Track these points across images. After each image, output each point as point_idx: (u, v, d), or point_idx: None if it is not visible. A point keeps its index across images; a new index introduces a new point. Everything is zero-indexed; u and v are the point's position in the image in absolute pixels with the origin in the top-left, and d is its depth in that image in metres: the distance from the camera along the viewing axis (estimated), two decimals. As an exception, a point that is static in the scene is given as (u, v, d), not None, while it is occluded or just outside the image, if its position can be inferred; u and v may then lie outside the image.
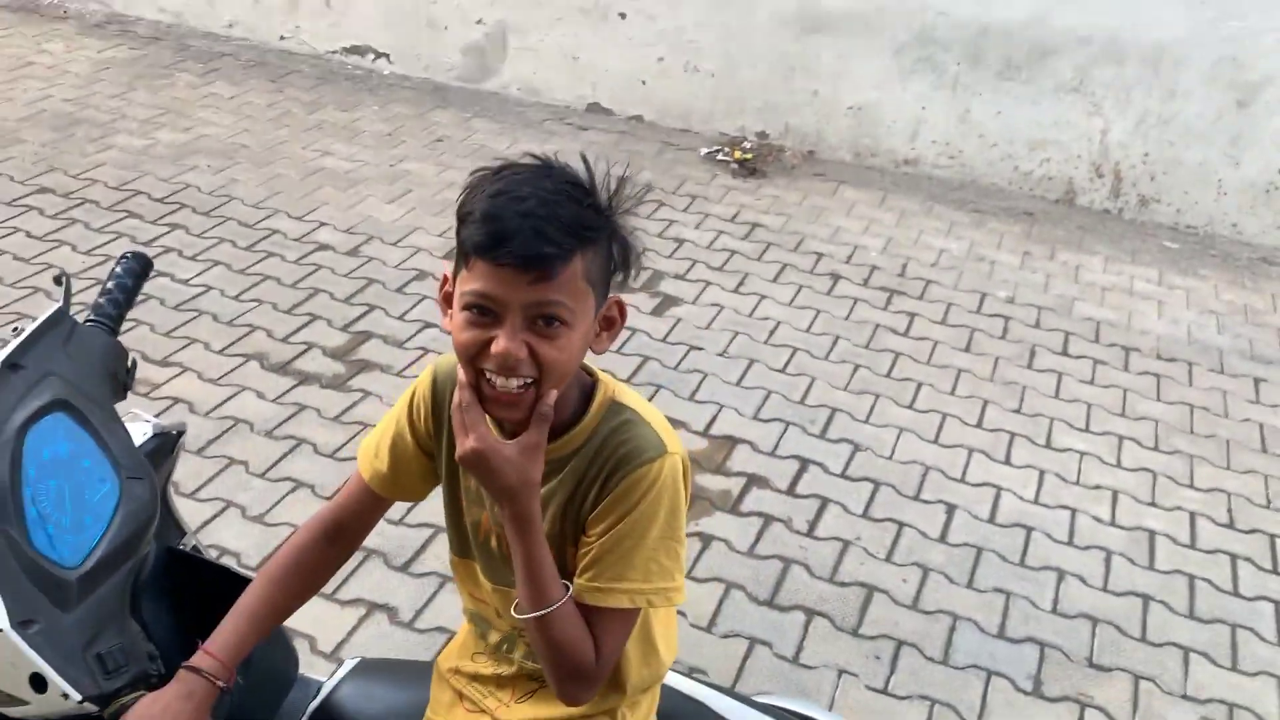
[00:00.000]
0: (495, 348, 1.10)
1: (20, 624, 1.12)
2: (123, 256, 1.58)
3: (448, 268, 1.21)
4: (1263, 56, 4.39)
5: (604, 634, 1.20)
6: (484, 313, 1.12)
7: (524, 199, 1.10)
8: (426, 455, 1.32)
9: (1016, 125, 4.81)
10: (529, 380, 1.13)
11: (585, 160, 1.17)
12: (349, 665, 1.48)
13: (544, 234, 1.08)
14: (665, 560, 1.20)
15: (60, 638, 1.15)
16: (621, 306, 1.22)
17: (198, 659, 1.24)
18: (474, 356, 1.13)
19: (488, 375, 1.13)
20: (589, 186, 1.15)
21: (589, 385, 1.25)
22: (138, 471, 1.33)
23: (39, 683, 1.12)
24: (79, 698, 1.13)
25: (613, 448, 1.20)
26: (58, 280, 1.50)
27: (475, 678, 1.37)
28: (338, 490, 1.37)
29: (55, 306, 1.38)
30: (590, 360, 1.24)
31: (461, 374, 1.16)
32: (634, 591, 1.19)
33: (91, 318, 1.47)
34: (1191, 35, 4.44)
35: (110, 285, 1.52)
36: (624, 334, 3.69)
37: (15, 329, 1.36)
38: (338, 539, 1.37)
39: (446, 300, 1.20)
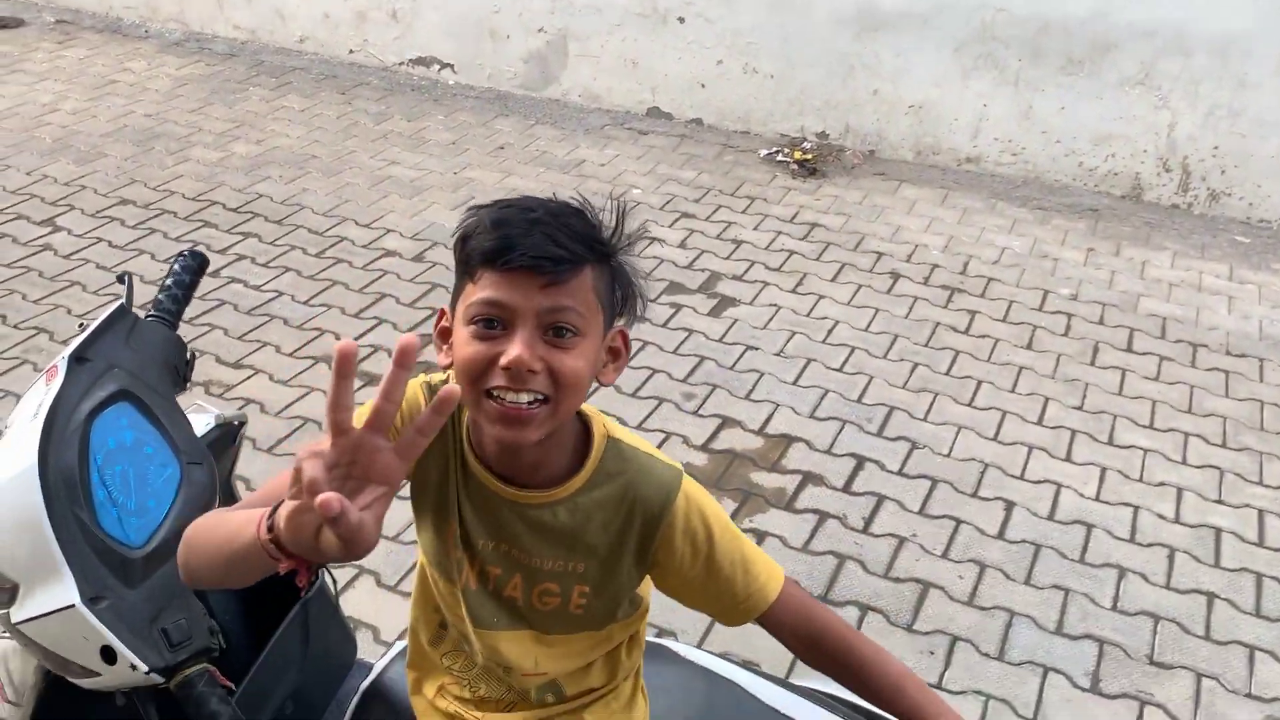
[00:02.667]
0: (506, 357, 1.04)
1: (90, 600, 1.20)
2: (180, 254, 1.67)
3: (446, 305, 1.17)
4: (1337, 44, 4.27)
5: (800, 611, 1.22)
6: (491, 324, 1.06)
7: (532, 209, 1.09)
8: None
9: (1080, 120, 4.74)
10: (541, 396, 1.06)
11: (583, 199, 1.15)
12: (399, 647, 1.54)
13: (555, 239, 1.06)
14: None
15: (128, 613, 1.23)
16: (625, 338, 1.18)
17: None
18: (480, 375, 1.06)
19: (495, 394, 1.06)
20: (593, 215, 1.13)
21: (582, 428, 1.21)
22: (198, 457, 1.40)
23: (109, 655, 1.20)
24: (146, 669, 1.20)
25: (630, 489, 1.18)
26: (120, 279, 1.60)
27: (458, 695, 1.34)
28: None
29: (118, 303, 1.47)
30: (594, 400, 1.22)
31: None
32: (774, 570, 1.22)
33: (152, 313, 1.56)
34: (1260, 25, 4.33)
35: (169, 282, 1.61)
36: (680, 334, 3.76)
37: (81, 325, 1.45)
38: None
39: (443, 335, 1.14)
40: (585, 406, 1.20)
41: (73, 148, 4.85)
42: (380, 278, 3.98)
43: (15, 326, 3.56)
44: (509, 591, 1.22)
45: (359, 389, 3.33)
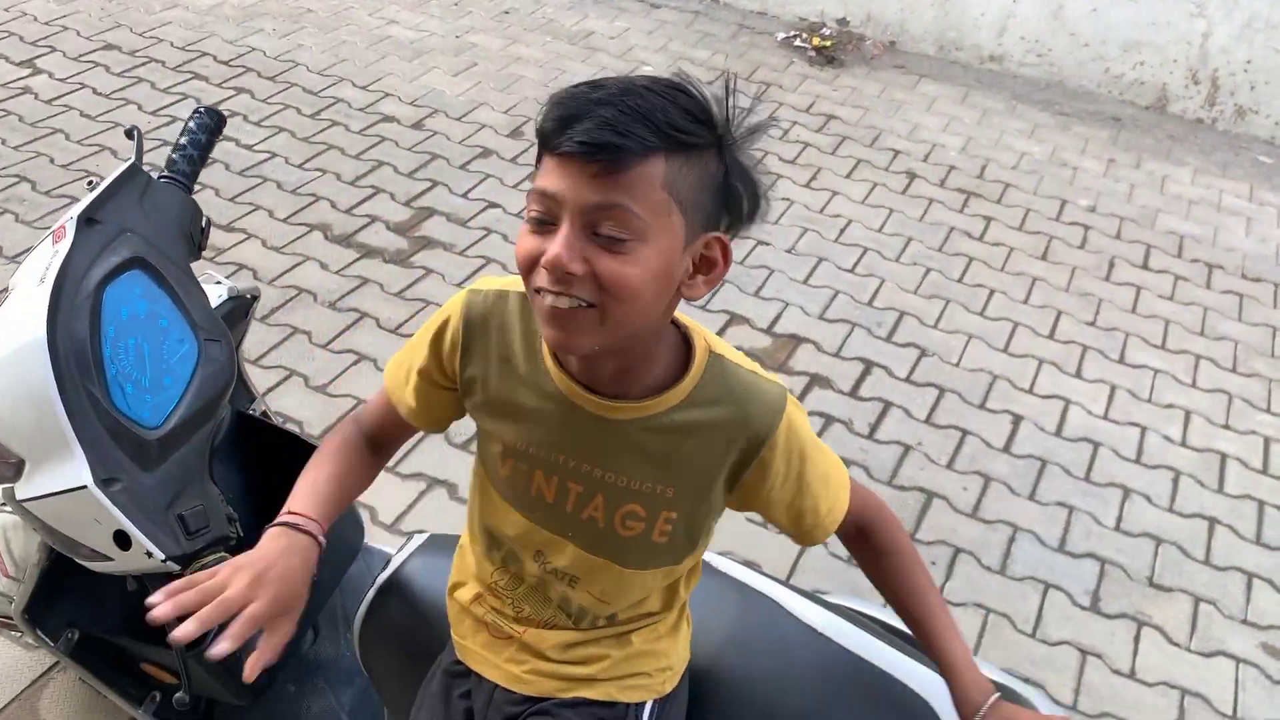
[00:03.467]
0: (545, 256, 0.94)
1: (103, 481, 1.12)
2: (195, 112, 1.53)
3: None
4: (1388, -40, 4.10)
5: (865, 509, 1.20)
6: (543, 218, 0.96)
7: (603, 86, 0.95)
8: (453, 390, 1.18)
9: (1111, 24, 4.57)
10: (584, 302, 0.95)
11: (686, 76, 0.99)
12: (419, 540, 1.47)
13: (615, 123, 0.91)
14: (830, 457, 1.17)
15: (142, 497, 1.15)
16: (725, 246, 1.01)
17: (294, 517, 1.10)
18: (529, 271, 0.98)
19: (540, 292, 0.97)
20: (695, 92, 0.97)
21: (684, 342, 1.09)
22: (215, 334, 1.31)
23: (123, 540, 1.12)
24: (162, 556, 1.13)
25: (732, 411, 1.07)
26: (129, 134, 1.47)
27: (496, 608, 1.26)
28: (370, 401, 1.25)
29: (129, 161, 1.35)
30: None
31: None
32: (841, 480, 1.17)
33: (166, 174, 1.43)
34: (1313, -67, 4.15)
35: (184, 141, 1.48)
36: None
37: (90, 183, 1.33)
38: (374, 450, 1.25)
39: None
40: (682, 317, 1.08)
41: (53, -16, 4.57)
42: (378, 144, 3.81)
43: (-5, 173, 3.39)
44: (589, 512, 1.12)
45: (354, 261, 3.22)
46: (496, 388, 1.13)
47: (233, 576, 1.00)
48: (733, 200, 1.00)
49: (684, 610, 1.28)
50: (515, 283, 1.11)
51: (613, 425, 1.08)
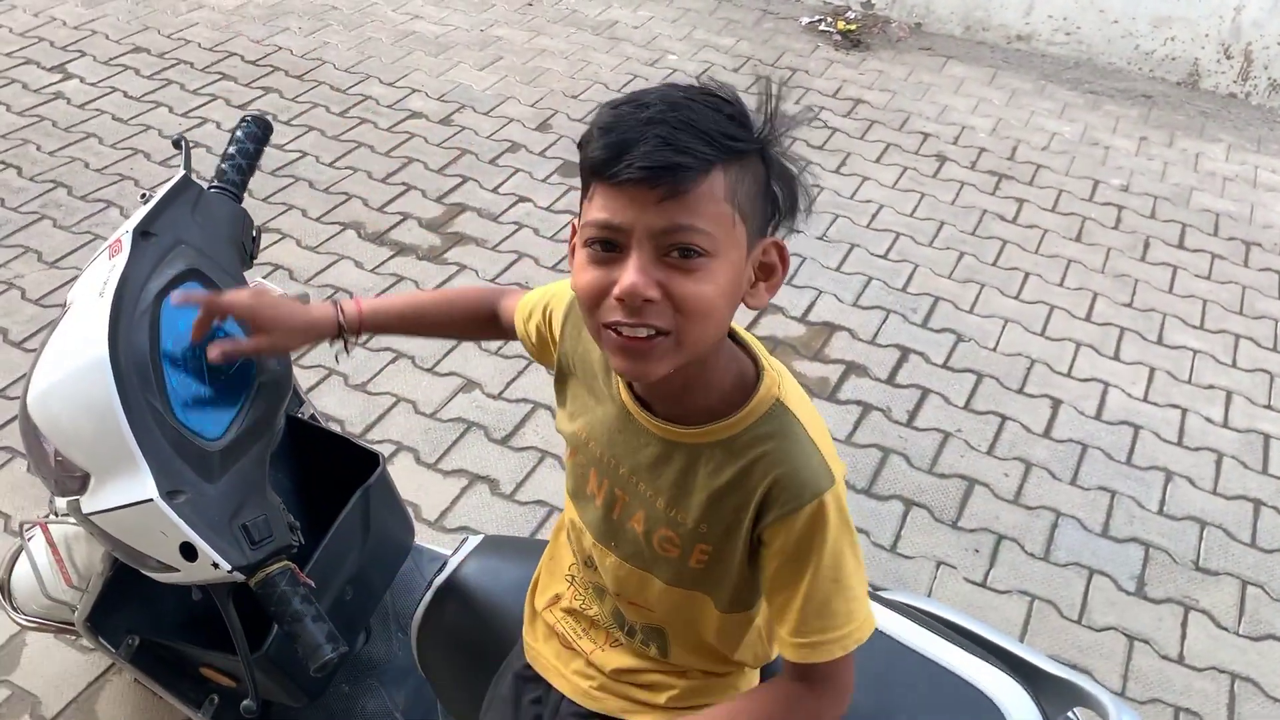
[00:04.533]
0: (619, 287, 0.91)
1: (168, 494, 1.13)
2: (243, 120, 1.55)
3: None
4: None
5: (827, 681, 1.05)
6: (606, 247, 0.93)
7: (648, 105, 0.92)
8: (554, 349, 1.21)
9: (1141, 0, 4.51)
10: (658, 329, 0.93)
11: (714, 81, 0.98)
12: (473, 542, 1.49)
13: (672, 142, 0.89)
14: (860, 590, 1.04)
15: (207, 508, 1.16)
16: (782, 250, 1.00)
17: (345, 302, 1.33)
18: (596, 305, 0.94)
19: (614, 326, 0.94)
20: (732, 97, 0.96)
21: (751, 372, 1.04)
22: (271, 343, 1.32)
23: (189, 551, 1.14)
24: (228, 567, 1.14)
25: (774, 462, 1.00)
26: (176, 144, 1.48)
27: (570, 613, 1.27)
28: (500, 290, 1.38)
29: (180, 174, 1.36)
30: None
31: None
32: (843, 638, 1.02)
33: (216, 184, 1.45)
34: (1347, -98, 4.08)
35: (232, 150, 1.49)
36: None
37: (144, 196, 1.34)
38: (492, 319, 1.35)
39: (572, 248, 1.01)
40: (766, 356, 1.06)
41: (80, -12, 4.60)
42: (407, 140, 3.82)
43: (31, 179, 3.42)
44: (632, 523, 1.11)
45: (388, 259, 3.24)
46: (577, 376, 1.16)
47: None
48: (778, 201, 0.99)
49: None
50: None
51: (653, 441, 1.06)
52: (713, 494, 1.04)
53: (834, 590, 1.01)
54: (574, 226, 1.02)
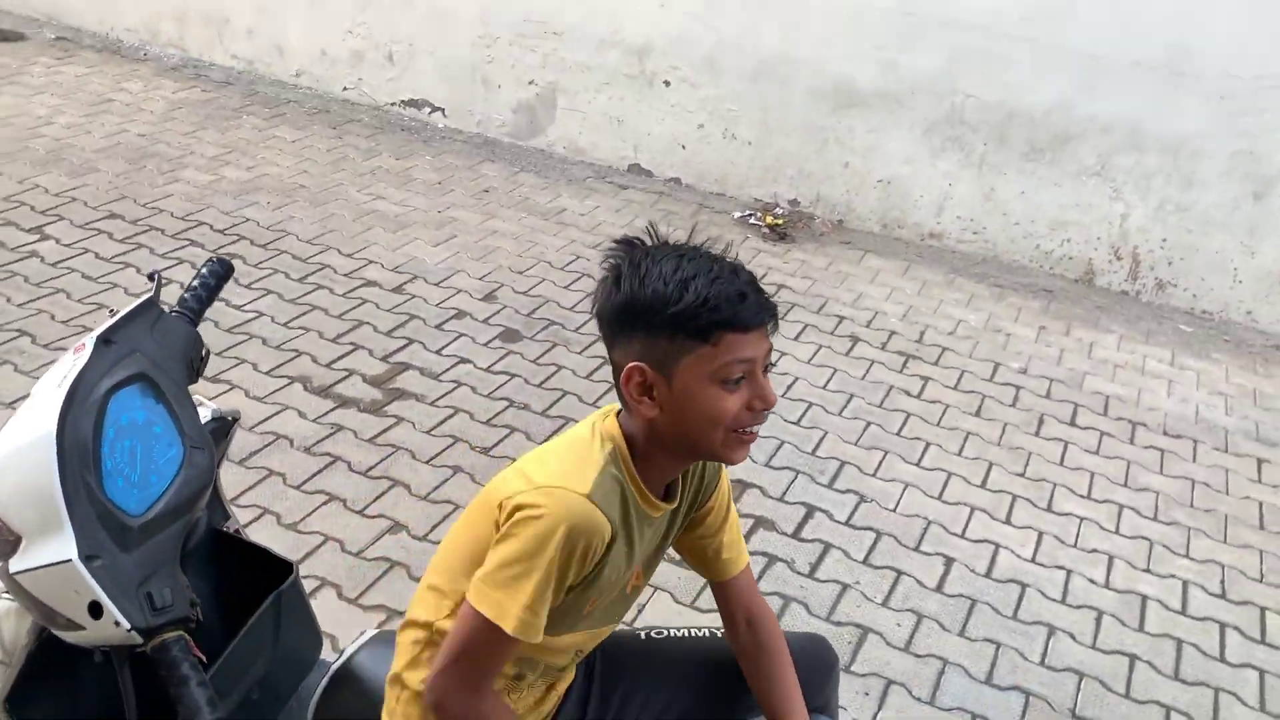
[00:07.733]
0: (764, 402, 1.31)
1: (87, 558, 1.30)
2: (208, 260, 1.79)
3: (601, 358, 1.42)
4: (1279, 151, 4.55)
5: (753, 585, 1.62)
6: (738, 380, 1.29)
7: (733, 271, 1.30)
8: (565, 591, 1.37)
9: (1039, 206, 4.99)
10: None
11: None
12: (367, 635, 1.64)
13: (760, 290, 1.31)
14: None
15: (118, 574, 1.32)
16: None
17: None
18: (735, 421, 1.30)
19: (745, 430, 1.31)
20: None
21: None
22: (200, 443, 1.52)
23: (96, 610, 1.30)
24: (128, 626, 1.30)
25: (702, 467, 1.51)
26: (150, 277, 1.72)
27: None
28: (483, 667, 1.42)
29: (147, 295, 1.59)
30: None
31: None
32: (743, 545, 1.62)
33: (176, 309, 1.67)
34: (1211, 128, 4.61)
35: (195, 283, 1.73)
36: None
37: (111, 311, 1.57)
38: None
39: (642, 389, 1.31)
40: None
41: (65, 161, 4.95)
42: (359, 305, 4.09)
43: (-2, 327, 3.64)
44: (629, 588, 1.48)
45: (330, 410, 3.45)
46: (608, 559, 1.36)
47: None
48: None
49: None
50: (572, 485, 1.31)
51: (669, 517, 1.47)
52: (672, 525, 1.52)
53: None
54: (640, 369, 1.31)
